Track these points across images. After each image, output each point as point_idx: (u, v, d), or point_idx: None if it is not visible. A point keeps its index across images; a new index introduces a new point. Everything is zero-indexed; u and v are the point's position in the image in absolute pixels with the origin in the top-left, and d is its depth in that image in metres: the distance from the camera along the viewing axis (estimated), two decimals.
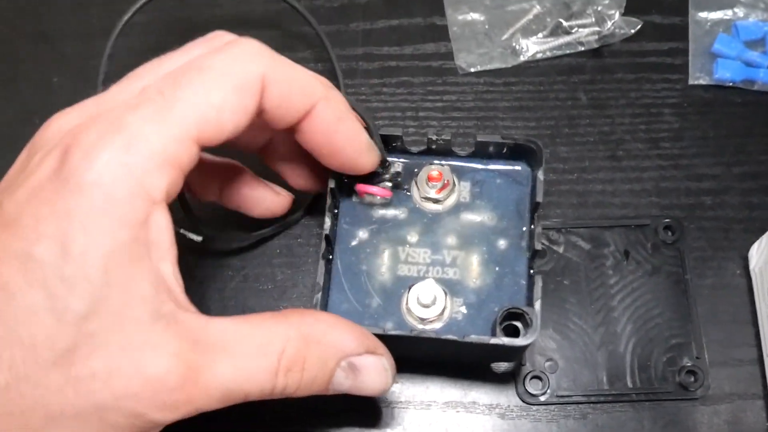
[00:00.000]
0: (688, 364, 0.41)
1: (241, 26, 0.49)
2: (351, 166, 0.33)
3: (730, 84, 0.47)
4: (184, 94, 0.25)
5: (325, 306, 0.35)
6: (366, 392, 0.29)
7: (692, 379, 0.41)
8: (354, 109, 0.32)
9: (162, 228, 0.25)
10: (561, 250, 0.44)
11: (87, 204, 0.23)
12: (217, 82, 0.26)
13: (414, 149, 0.37)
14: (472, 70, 0.49)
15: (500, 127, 0.48)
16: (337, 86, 0.34)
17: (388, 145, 0.36)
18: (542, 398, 0.41)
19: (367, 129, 0.33)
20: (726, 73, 0.47)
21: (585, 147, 0.47)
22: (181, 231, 0.37)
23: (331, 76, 0.43)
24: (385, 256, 0.36)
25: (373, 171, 0.35)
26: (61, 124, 0.26)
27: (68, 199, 0.23)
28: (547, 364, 0.42)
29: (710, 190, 0.45)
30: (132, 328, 0.24)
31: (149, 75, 0.28)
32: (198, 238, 0.37)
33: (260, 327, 0.27)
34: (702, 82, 0.47)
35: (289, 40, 0.50)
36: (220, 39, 0.29)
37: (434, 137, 0.36)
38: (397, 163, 0.37)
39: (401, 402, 0.42)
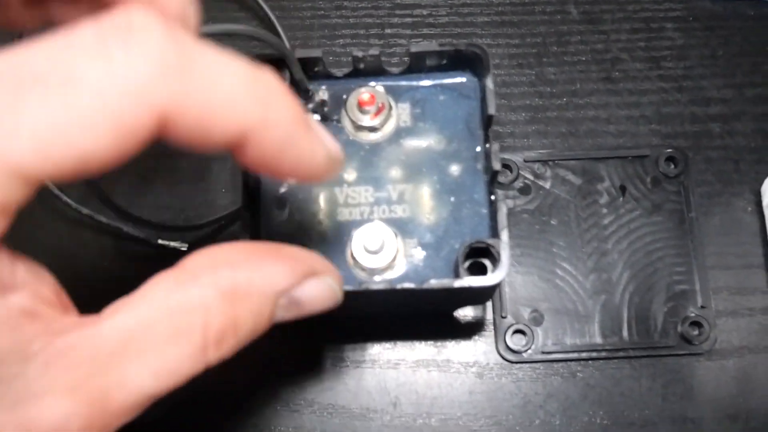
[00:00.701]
0: (692, 315, 0.37)
1: None
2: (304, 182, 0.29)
3: None
4: (23, 115, 0.17)
5: None
6: (312, 315, 0.25)
7: (696, 331, 0.37)
8: (257, 37, 0.28)
9: None
10: (548, 185, 0.39)
11: None
12: (82, 108, 0.18)
13: (338, 72, 0.33)
14: None
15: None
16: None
17: (308, 70, 0.32)
18: (525, 355, 0.37)
19: (285, 58, 0.29)
20: None
21: (576, 67, 0.42)
22: (160, 242, 0.38)
23: None
24: (321, 201, 0.32)
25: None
26: None
27: None
28: (532, 316, 0.37)
29: (719, 116, 0.41)
30: (5, 386, 0.18)
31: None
32: (183, 247, 0.38)
33: (166, 305, 0.21)
34: None
35: None
36: (121, 20, 0.19)
37: (360, 54, 0.31)
38: (321, 90, 0.32)
39: (365, 361, 0.37)
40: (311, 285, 0.24)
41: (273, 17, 0.42)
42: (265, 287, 0.22)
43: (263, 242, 0.25)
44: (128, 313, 0.20)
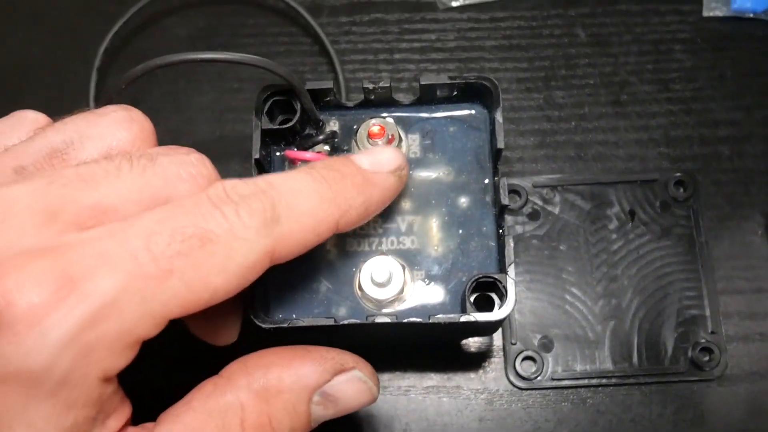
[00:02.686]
0: (703, 340, 0.37)
1: None
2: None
3: (751, 15, 0.43)
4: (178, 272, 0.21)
5: (264, 294, 0.30)
6: (352, 410, 0.27)
7: (707, 357, 0.37)
8: (266, 68, 0.28)
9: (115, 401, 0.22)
10: (557, 210, 0.39)
11: (22, 400, 0.20)
12: (221, 263, 0.22)
13: (349, 103, 0.33)
14: (455, 4, 0.44)
15: (487, 69, 0.42)
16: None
17: (319, 101, 0.32)
18: (535, 381, 0.37)
19: (294, 89, 0.30)
20: (746, 2, 0.43)
21: (584, 91, 0.42)
22: None
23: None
24: None
25: (305, 132, 0.32)
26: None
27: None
28: (541, 342, 0.37)
29: (728, 139, 0.41)
30: None
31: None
32: None
33: (207, 409, 0.24)
34: (718, 13, 0.43)
35: None
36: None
37: (371, 86, 0.32)
38: (332, 121, 0.33)
39: None
40: (342, 380, 0.26)
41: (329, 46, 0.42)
42: (295, 384, 0.25)
43: (294, 346, 0.26)
44: (177, 422, 0.23)
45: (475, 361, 0.37)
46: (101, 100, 0.41)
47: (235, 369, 0.24)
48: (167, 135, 0.41)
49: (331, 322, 0.28)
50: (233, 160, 0.40)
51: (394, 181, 0.28)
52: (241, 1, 0.44)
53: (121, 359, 0.21)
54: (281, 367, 0.25)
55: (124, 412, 0.23)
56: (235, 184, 0.23)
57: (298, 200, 0.24)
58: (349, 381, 0.26)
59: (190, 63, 0.28)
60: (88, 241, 0.20)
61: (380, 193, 0.27)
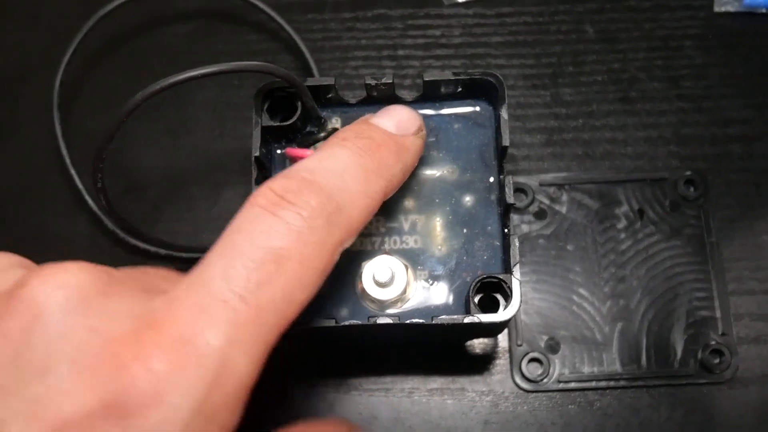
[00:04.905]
0: (713, 342, 0.36)
1: None
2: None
3: (764, 10, 0.42)
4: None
5: None
6: None
7: (717, 359, 0.36)
8: (266, 72, 0.28)
9: None
10: (564, 209, 0.38)
11: None
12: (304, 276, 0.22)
13: (352, 99, 0.32)
14: None
15: (493, 66, 0.41)
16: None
17: (321, 97, 0.32)
18: (541, 384, 0.36)
19: (295, 87, 0.29)
20: None
21: (592, 88, 0.41)
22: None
23: None
24: None
25: (307, 130, 0.31)
26: (93, 320, 0.19)
27: None
28: (548, 344, 0.36)
29: (739, 137, 0.40)
30: None
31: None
32: None
33: None
34: (730, 8, 0.43)
35: None
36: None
37: (373, 82, 0.31)
38: (334, 118, 0.32)
39: (378, 390, 0.37)
40: None
41: (300, 42, 0.41)
42: None
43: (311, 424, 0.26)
44: None
45: (480, 363, 0.37)
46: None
47: None
48: (167, 134, 0.41)
49: (332, 323, 0.27)
50: (233, 158, 0.40)
51: (420, 143, 0.28)
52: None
53: (237, 416, 0.20)
54: None
55: None
56: (281, 183, 0.22)
57: (347, 182, 0.23)
58: None
59: (190, 81, 0.27)
60: (175, 299, 0.20)
61: (413, 156, 0.27)
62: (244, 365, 0.19)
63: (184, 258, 0.38)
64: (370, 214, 0.24)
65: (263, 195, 0.21)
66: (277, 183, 0.22)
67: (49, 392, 0.18)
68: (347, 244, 0.23)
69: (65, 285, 0.20)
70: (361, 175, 0.24)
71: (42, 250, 0.39)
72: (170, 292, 0.20)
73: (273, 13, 0.41)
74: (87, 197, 0.39)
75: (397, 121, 0.27)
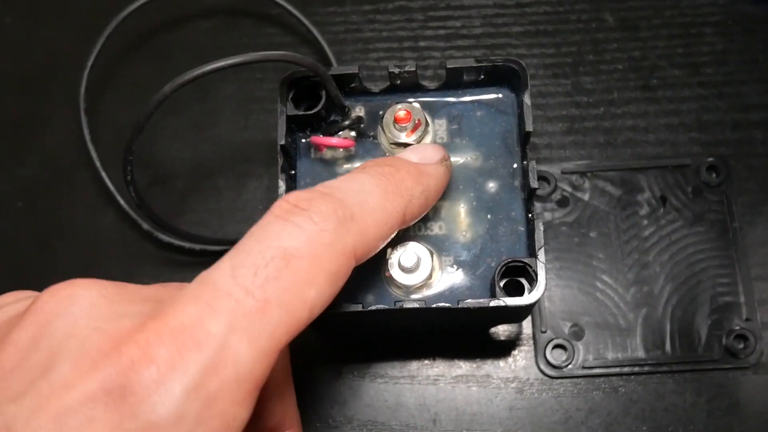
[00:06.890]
0: (737, 327, 0.36)
1: None
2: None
3: None
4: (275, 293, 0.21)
5: None
6: None
7: (742, 344, 0.36)
8: (291, 61, 0.28)
9: None
10: (586, 197, 0.38)
11: None
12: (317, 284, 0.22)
13: (375, 88, 0.32)
14: None
15: (513, 55, 0.41)
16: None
17: (344, 86, 0.32)
18: (566, 370, 0.36)
19: (319, 77, 0.29)
20: None
21: (613, 76, 0.41)
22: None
23: None
24: None
25: (331, 119, 0.31)
26: (99, 322, 0.20)
27: None
28: (572, 330, 0.36)
29: (761, 123, 0.40)
30: None
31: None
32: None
33: None
34: None
35: None
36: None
37: (396, 70, 0.31)
38: (358, 107, 0.32)
39: (404, 377, 0.37)
40: None
41: (318, 35, 0.42)
42: None
43: None
44: None
45: (505, 350, 0.37)
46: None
47: None
48: (192, 127, 0.42)
49: (359, 308, 0.28)
50: (259, 150, 0.40)
51: (444, 170, 0.28)
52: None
53: (242, 410, 0.20)
54: None
55: None
56: (297, 194, 0.22)
57: (364, 197, 0.24)
58: None
59: (218, 71, 0.27)
60: (182, 296, 0.20)
61: (435, 181, 0.27)
62: (246, 354, 0.19)
63: (210, 251, 0.38)
64: (390, 229, 0.24)
65: (278, 206, 0.22)
66: (292, 195, 0.22)
67: (51, 386, 0.19)
68: (364, 256, 0.23)
69: (74, 295, 0.21)
70: (378, 192, 0.24)
71: (71, 243, 0.40)
72: (179, 292, 0.20)
73: (290, 7, 0.42)
74: (113, 190, 0.39)
75: (420, 153, 0.28)
